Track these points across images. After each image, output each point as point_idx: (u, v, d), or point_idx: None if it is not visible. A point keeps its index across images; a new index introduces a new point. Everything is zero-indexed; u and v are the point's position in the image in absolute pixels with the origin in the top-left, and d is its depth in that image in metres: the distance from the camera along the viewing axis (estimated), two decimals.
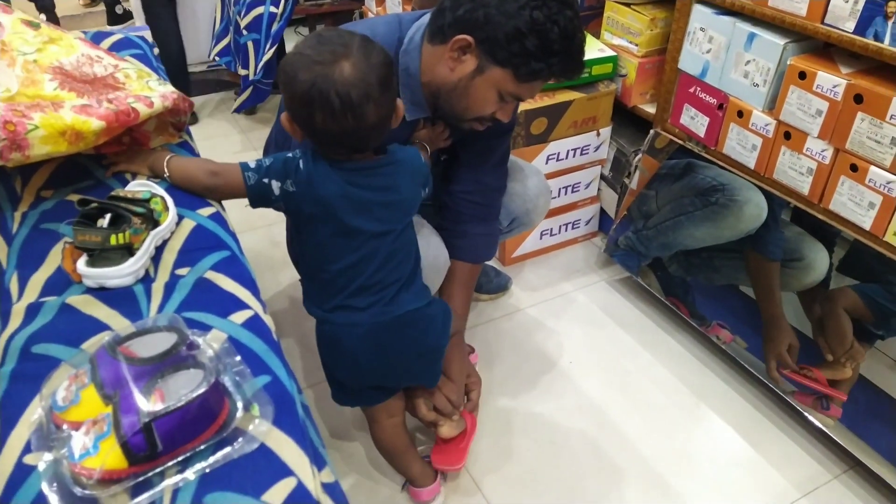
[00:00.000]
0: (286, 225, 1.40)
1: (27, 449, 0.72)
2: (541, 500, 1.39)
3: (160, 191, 1.06)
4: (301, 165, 1.04)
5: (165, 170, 1.13)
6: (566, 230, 2.11)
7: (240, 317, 0.90)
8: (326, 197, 1.04)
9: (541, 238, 2.06)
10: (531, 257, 2.09)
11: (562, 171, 1.97)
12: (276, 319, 1.80)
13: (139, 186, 1.07)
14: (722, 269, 1.82)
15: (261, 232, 2.12)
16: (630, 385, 1.67)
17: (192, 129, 1.42)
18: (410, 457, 1.34)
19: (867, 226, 1.38)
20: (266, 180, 1.05)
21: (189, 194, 1.12)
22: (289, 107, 1.02)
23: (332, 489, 0.73)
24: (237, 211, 1.17)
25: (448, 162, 1.46)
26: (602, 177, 2.08)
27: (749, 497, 1.41)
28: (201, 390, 0.71)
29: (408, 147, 1.18)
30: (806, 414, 1.51)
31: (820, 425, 1.48)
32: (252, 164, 1.06)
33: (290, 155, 1.06)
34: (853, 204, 1.39)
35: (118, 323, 0.87)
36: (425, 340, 1.20)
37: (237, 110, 2.60)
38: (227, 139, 2.62)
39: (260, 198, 1.07)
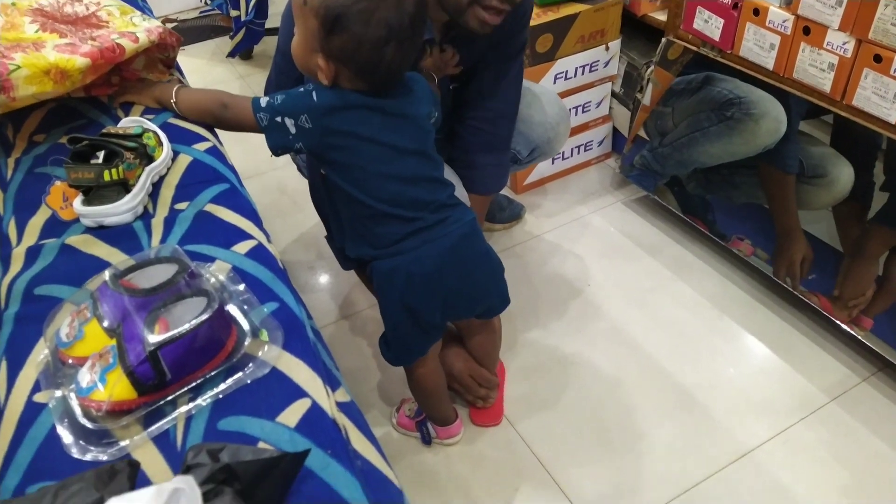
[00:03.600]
0: (309, 180, 1.31)
1: (36, 388, 0.71)
2: (568, 424, 1.38)
3: (153, 126, 1.03)
4: (315, 97, 0.97)
5: (174, 97, 1.10)
6: (579, 153, 2.05)
7: (243, 247, 0.88)
8: (351, 121, 0.97)
9: (553, 163, 2.01)
10: (544, 183, 2.04)
11: (571, 90, 1.90)
12: (287, 265, 1.78)
13: (130, 122, 1.04)
14: (742, 187, 1.76)
15: (267, 177, 2.09)
16: (651, 303, 1.64)
17: (188, 74, 1.37)
18: (447, 395, 1.33)
19: (893, 119, 1.31)
20: (279, 119, 0.97)
21: (194, 123, 1.10)
22: (353, 50, 0.93)
23: (348, 408, 0.72)
24: (242, 157, 1.12)
25: (458, 90, 1.40)
26: (613, 94, 2.00)
27: (777, 404, 1.39)
28: (205, 317, 0.69)
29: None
30: (836, 321, 1.48)
31: (850, 330, 1.45)
32: (263, 103, 0.99)
33: (301, 89, 0.98)
34: (878, 97, 1.32)
35: (119, 260, 0.85)
36: (491, 253, 1.16)
37: (232, 54, 2.54)
38: (226, 86, 2.56)
39: (278, 140, 0.99)
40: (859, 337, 1.43)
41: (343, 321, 1.63)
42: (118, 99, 1.17)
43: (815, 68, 1.42)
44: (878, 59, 1.29)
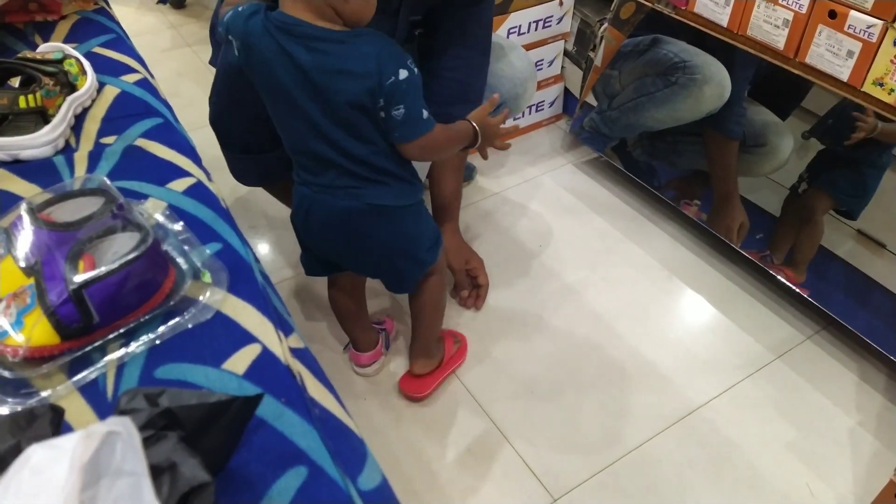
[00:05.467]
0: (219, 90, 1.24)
1: None
2: (520, 384, 1.35)
3: (75, 53, 0.92)
4: (244, 12, 0.86)
5: None
6: (530, 113, 2.01)
7: (180, 184, 0.80)
8: (261, 57, 0.87)
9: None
10: None
11: (524, 46, 1.84)
12: None
13: (50, 48, 0.93)
14: (685, 154, 1.76)
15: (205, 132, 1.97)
16: (601, 263, 1.62)
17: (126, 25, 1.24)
18: (353, 323, 1.32)
19: (845, 77, 1.31)
20: (230, 37, 0.88)
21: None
22: None
23: (302, 355, 0.66)
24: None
25: (424, 36, 1.31)
26: (566, 52, 1.96)
27: (724, 362, 1.40)
28: (138, 253, 0.61)
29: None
30: (780, 277, 1.50)
31: (796, 289, 1.47)
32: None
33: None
34: (831, 54, 1.32)
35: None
36: (391, 241, 1.09)
37: (162, 0, 2.37)
38: (157, 36, 2.40)
39: (213, 56, 0.96)
40: (805, 296, 1.46)
41: (290, 281, 1.56)
42: None
43: (770, 24, 1.41)
44: (832, 14, 1.29)
